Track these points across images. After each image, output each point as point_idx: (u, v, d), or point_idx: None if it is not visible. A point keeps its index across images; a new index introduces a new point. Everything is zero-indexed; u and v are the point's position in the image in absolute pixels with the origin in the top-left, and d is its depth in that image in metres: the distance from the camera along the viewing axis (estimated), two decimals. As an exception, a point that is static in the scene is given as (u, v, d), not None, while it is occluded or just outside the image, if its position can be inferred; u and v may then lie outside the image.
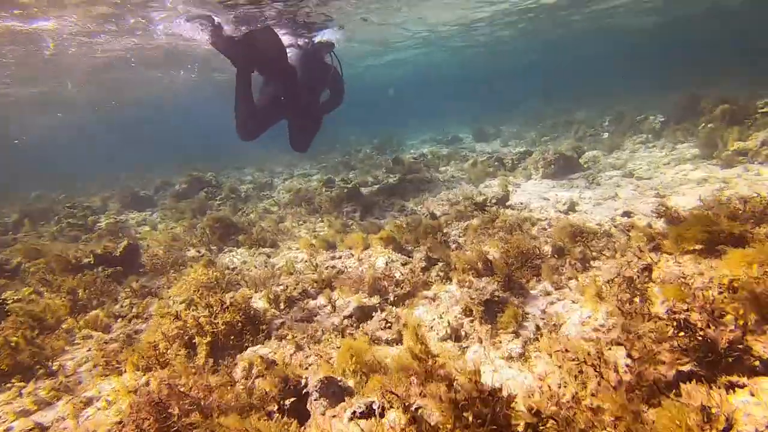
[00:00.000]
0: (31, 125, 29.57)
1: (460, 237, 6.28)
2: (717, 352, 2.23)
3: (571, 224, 5.26)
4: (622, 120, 13.80)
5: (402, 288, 4.57)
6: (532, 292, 4.43)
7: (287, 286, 5.33)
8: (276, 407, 2.78)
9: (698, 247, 3.27)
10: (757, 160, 7.71)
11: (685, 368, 2.17)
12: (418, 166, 12.37)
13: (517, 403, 2.11)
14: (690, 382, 2.04)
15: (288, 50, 8.02)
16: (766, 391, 2.09)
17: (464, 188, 9.51)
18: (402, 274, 4.79)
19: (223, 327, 3.85)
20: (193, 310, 4.16)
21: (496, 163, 10.83)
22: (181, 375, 3.04)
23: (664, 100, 16.66)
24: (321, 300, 4.97)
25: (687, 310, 2.27)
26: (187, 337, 3.74)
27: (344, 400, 2.76)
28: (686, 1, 20.48)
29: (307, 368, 3.42)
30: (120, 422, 2.84)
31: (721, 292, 2.60)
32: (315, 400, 2.82)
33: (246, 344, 3.91)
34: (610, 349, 2.72)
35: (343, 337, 3.95)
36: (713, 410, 1.82)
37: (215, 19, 8.87)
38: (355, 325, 4.18)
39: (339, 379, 2.93)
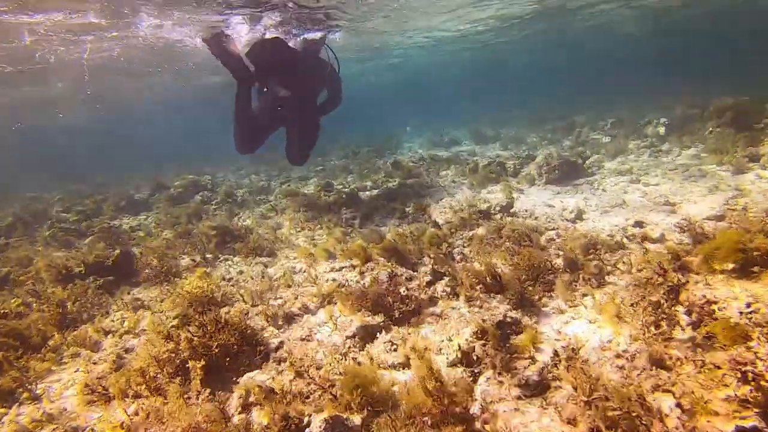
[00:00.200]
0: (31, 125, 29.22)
1: (465, 247, 6.06)
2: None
3: (584, 235, 5.05)
4: (623, 124, 13.63)
5: (407, 305, 4.34)
6: (544, 309, 4.21)
7: (286, 301, 5.10)
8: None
9: (730, 266, 3.06)
10: (769, 166, 7.54)
11: (747, 424, 1.94)
12: (418, 170, 12.15)
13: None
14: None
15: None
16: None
17: (466, 194, 9.29)
18: (406, 290, 4.56)
19: (218, 350, 3.61)
20: (185, 330, 3.91)
21: (498, 168, 10.61)
22: (173, 408, 2.80)
23: (660, 104, 16.57)
24: (321, 315, 4.74)
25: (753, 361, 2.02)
26: (179, 361, 3.50)
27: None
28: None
29: (308, 397, 3.18)
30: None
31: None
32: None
33: (242, 368, 3.68)
34: (643, 386, 2.49)
35: (345, 360, 3.72)
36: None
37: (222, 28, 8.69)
38: (358, 346, 3.95)
39: (345, 417, 2.70)
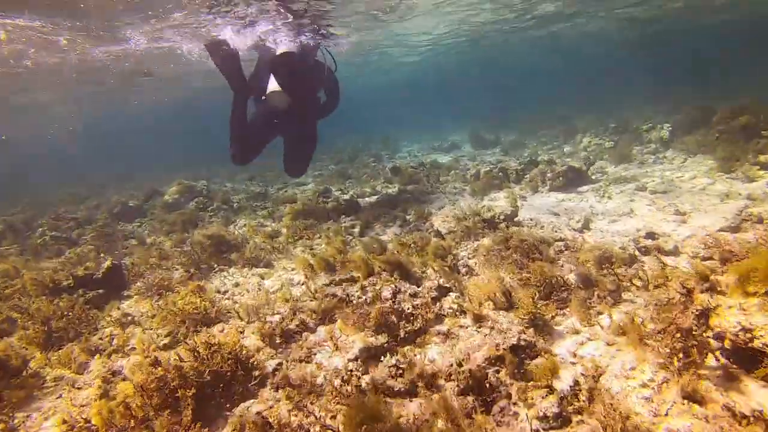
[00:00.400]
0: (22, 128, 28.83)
1: (470, 259, 5.82)
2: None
3: (597, 247, 4.82)
4: (625, 129, 13.45)
5: (412, 323, 4.09)
6: (557, 329, 3.97)
7: (283, 318, 4.84)
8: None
9: (763, 290, 2.83)
10: (781, 174, 7.34)
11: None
12: (418, 175, 11.91)
13: None
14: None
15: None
16: None
17: (469, 201, 9.07)
18: (411, 307, 4.31)
19: (210, 376, 3.35)
20: (176, 353, 3.65)
21: (500, 174, 10.38)
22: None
23: (661, 108, 16.45)
24: (321, 333, 4.49)
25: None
26: (168, 391, 3.23)
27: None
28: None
29: (309, 431, 2.92)
30: None
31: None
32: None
33: (236, 397, 3.41)
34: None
35: (347, 384, 3.47)
36: None
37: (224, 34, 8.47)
38: (361, 369, 3.69)
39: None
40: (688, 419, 2.35)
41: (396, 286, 4.61)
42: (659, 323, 3.00)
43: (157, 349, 4.74)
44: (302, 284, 5.89)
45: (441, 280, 4.85)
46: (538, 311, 3.78)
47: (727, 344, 2.69)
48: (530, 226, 7.00)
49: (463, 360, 3.36)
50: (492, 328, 3.76)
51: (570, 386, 3.01)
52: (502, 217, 7.16)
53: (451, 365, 3.46)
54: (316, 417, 2.79)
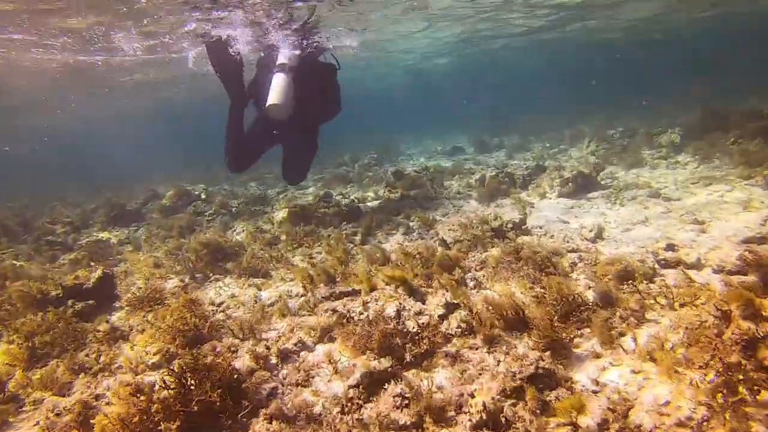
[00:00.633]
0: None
1: (478, 271, 5.51)
2: None
3: (617, 260, 4.51)
4: (635, 133, 13.14)
5: (418, 345, 3.78)
6: (575, 351, 3.66)
7: (280, 336, 4.54)
8: None
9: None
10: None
11: None
12: (422, 180, 11.57)
13: None
14: None
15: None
16: None
17: (475, 208, 8.77)
18: (417, 326, 4.00)
19: (197, 406, 3.05)
20: (161, 378, 3.34)
21: (506, 180, 10.06)
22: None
23: (662, 113, 16.13)
24: (320, 352, 4.19)
25: None
26: (150, 424, 2.93)
27: None
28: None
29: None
30: None
31: None
32: None
33: (224, 430, 3.11)
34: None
35: (348, 416, 3.16)
36: None
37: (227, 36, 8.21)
38: (362, 397, 3.38)
39: None
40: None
41: (400, 303, 4.31)
42: (696, 353, 2.68)
43: (145, 368, 4.46)
44: (301, 296, 5.59)
45: (448, 296, 4.54)
46: (557, 335, 3.47)
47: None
48: (540, 235, 6.69)
49: (475, 390, 3.04)
50: (506, 353, 3.44)
51: (597, 424, 2.70)
52: (510, 225, 6.84)
53: (462, 395, 3.15)
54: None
